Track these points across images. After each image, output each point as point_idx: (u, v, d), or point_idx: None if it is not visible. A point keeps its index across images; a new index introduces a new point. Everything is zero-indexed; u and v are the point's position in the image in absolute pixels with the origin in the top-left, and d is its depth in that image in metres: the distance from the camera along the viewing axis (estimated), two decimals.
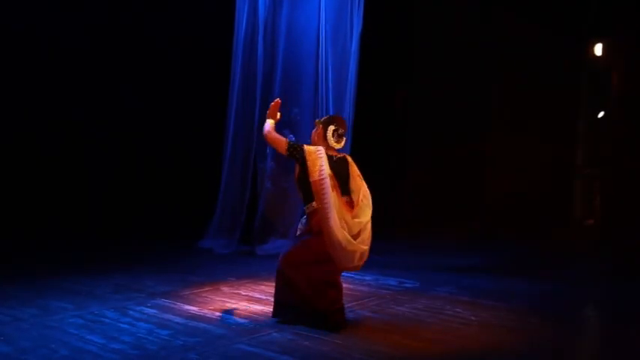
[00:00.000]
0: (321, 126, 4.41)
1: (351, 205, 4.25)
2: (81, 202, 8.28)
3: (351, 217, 4.17)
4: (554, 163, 10.11)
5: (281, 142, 4.30)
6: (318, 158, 4.21)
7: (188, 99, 8.98)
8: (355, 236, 4.13)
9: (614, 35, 9.73)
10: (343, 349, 3.71)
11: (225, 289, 5.30)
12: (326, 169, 4.17)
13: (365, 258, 4.20)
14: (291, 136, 7.47)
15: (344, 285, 5.46)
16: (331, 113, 7.55)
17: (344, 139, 4.42)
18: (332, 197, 4.10)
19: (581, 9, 9.77)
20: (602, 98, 10.22)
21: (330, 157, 4.26)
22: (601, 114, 10.42)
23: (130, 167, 8.66)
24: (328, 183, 4.13)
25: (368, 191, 4.34)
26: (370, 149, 9.61)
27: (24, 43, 7.72)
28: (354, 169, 4.40)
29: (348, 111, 7.54)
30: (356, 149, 7.69)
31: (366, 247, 4.17)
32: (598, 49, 10.02)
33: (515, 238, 8.90)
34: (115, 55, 8.52)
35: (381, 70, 10.03)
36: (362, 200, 4.28)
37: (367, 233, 4.20)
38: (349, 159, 4.44)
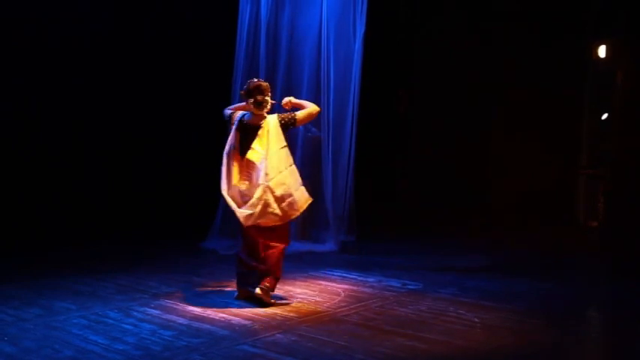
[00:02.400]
0: (246, 99, 4.86)
1: (251, 167, 4.67)
2: (84, 203, 8.28)
3: (240, 180, 4.71)
4: (557, 164, 10.09)
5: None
6: (233, 124, 4.87)
7: (190, 99, 8.98)
8: (241, 201, 4.69)
9: (619, 36, 9.70)
10: (346, 351, 3.71)
11: (228, 289, 5.29)
12: (231, 137, 4.78)
13: (249, 221, 4.63)
14: (314, 129, 7.57)
15: (346, 286, 5.52)
16: (332, 114, 7.57)
17: (264, 104, 4.79)
18: (226, 161, 4.74)
19: (585, 10, 9.75)
20: (606, 99, 10.19)
21: (240, 121, 4.83)
22: (605, 115, 10.40)
23: (133, 168, 8.66)
24: (227, 148, 4.76)
25: (278, 158, 4.70)
26: (373, 149, 9.62)
27: (25, 42, 7.73)
28: (269, 130, 4.73)
29: (351, 111, 7.54)
30: (359, 149, 7.72)
31: (246, 213, 4.60)
32: (602, 51, 10.00)
33: (518, 238, 8.88)
34: (116, 55, 8.53)
35: (384, 70, 10.02)
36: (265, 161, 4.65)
37: (256, 200, 4.59)
38: (271, 120, 4.79)
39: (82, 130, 8.37)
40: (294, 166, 4.86)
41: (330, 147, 7.58)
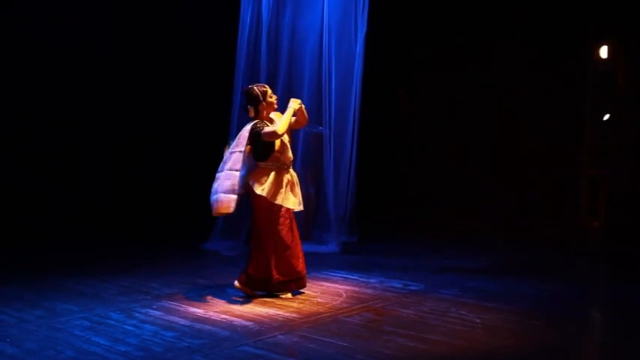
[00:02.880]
0: None
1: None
2: (86, 204, 8.29)
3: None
4: (558, 165, 10.08)
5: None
6: None
7: (192, 100, 8.99)
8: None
9: (619, 36, 9.70)
10: (348, 352, 3.71)
11: (230, 291, 5.30)
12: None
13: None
14: (320, 127, 7.60)
15: (348, 287, 5.53)
16: (334, 115, 7.59)
17: (245, 110, 5.14)
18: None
19: (587, 10, 9.74)
20: (606, 99, 10.18)
21: None
22: (607, 116, 10.39)
23: (135, 169, 8.67)
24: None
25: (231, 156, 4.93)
26: (374, 150, 9.63)
27: (25, 42, 7.73)
28: (241, 132, 4.98)
29: (353, 112, 7.54)
30: (360, 149, 7.72)
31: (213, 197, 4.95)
32: (602, 51, 10.00)
33: (518, 239, 8.88)
34: (116, 55, 8.53)
35: (385, 70, 10.02)
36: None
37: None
38: (247, 126, 4.99)
39: (82, 130, 8.38)
40: (236, 173, 4.85)
41: (332, 148, 7.59)
